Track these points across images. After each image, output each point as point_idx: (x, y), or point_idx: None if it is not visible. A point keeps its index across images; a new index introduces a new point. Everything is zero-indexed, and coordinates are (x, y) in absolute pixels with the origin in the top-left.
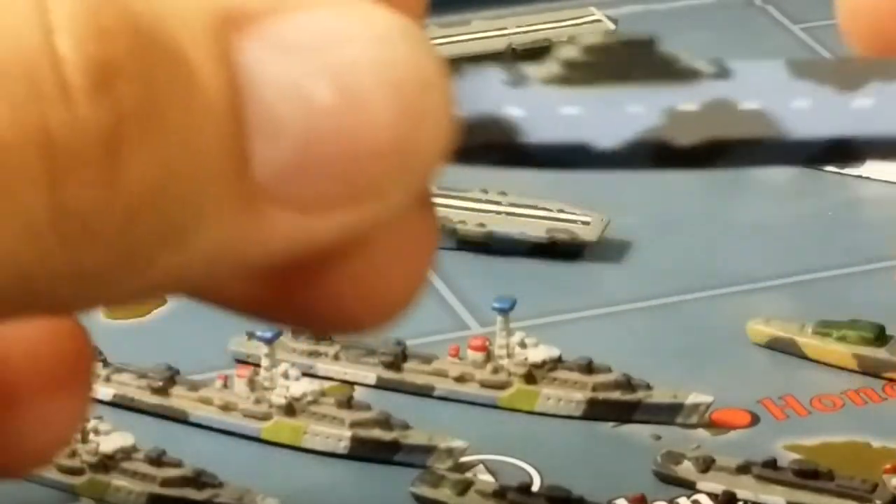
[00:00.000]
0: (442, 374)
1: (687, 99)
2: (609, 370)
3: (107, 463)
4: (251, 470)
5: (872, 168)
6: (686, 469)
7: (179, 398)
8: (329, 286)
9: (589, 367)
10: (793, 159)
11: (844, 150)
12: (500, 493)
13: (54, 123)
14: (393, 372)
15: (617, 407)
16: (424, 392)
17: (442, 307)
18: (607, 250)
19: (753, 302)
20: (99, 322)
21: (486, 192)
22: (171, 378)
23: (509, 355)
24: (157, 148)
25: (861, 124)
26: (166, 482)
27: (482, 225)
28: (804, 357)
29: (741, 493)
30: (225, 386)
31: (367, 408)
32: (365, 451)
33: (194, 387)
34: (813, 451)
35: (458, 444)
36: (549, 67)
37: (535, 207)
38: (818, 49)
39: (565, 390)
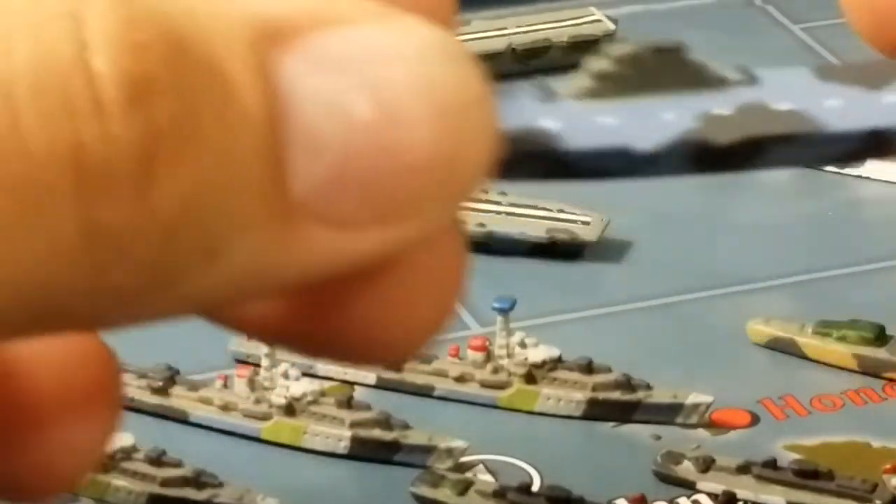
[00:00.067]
0: (442, 374)
1: (720, 103)
2: (609, 370)
3: (107, 463)
4: (251, 470)
5: (872, 168)
6: (686, 469)
7: (179, 398)
8: (355, 312)
9: (589, 367)
10: (831, 155)
11: (883, 142)
12: (500, 493)
13: (87, 139)
14: (393, 372)
15: (617, 407)
16: (424, 392)
17: None
18: (607, 250)
19: (753, 302)
20: None
21: (485, 192)
22: (171, 378)
23: (509, 355)
24: (192, 164)
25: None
26: (166, 482)
27: (482, 225)
28: (804, 357)
29: (741, 493)
30: (225, 386)
31: (367, 408)
32: (365, 451)
33: (194, 387)
34: (813, 451)
35: (458, 444)
36: (579, 81)
37: (535, 207)
38: (818, 49)
39: (565, 390)
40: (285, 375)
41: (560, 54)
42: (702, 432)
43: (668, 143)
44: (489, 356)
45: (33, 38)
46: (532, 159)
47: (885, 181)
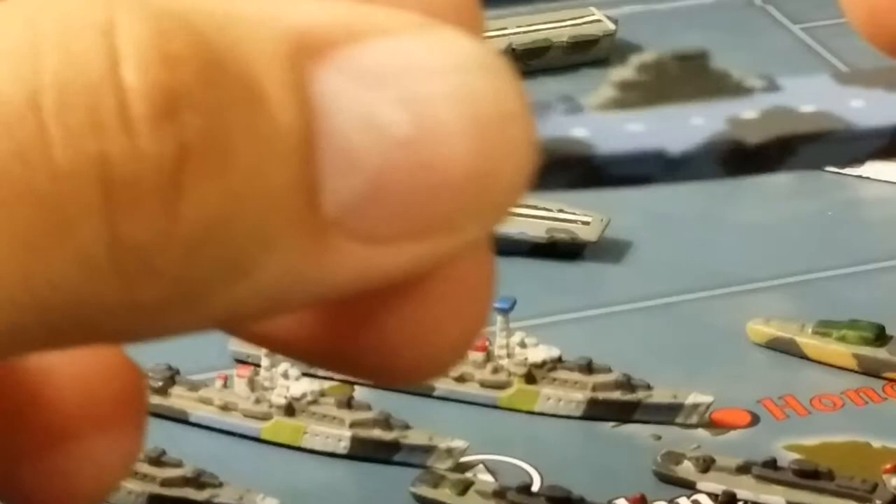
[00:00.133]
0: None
1: (747, 108)
2: (609, 370)
3: None
4: (251, 470)
5: (872, 168)
6: (686, 469)
7: (179, 398)
8: (381, 331)
9: (589, 367)
10: (861, 153)
11: None
12: (500, 493)
13: (114, 153)
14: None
15: (617, 407)
16: (424, 392)
17: None
18: (607, 250)
19: (753, 302)
20: None
21: None
22: (171, 378)
23: (509, 355)
24: (222, 179)
25: None
26: (166, 482)
27: None
28: (804, 357)
29: (741, 493)
30: (225, 386)
31: (367, 408)
32: (365, 451)
33: (194, 387)
34: (813, 451)
35: (458, 444)
36: (604, 92)
37: (535, 207)
38: (818, 49)
39: (565, 390)
40: (285, 375)
41: (560, 54)
42: (702, 432)
43: (699, 146)
44: (489, 356)
45: (64, 49)
46: (566, 168)
47: (885, 181)
